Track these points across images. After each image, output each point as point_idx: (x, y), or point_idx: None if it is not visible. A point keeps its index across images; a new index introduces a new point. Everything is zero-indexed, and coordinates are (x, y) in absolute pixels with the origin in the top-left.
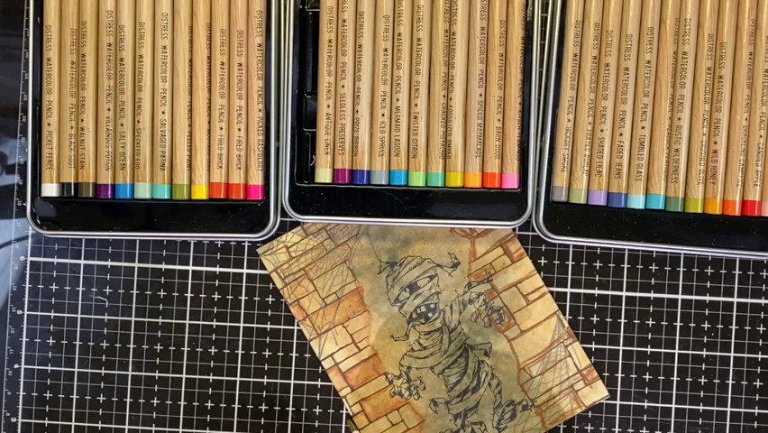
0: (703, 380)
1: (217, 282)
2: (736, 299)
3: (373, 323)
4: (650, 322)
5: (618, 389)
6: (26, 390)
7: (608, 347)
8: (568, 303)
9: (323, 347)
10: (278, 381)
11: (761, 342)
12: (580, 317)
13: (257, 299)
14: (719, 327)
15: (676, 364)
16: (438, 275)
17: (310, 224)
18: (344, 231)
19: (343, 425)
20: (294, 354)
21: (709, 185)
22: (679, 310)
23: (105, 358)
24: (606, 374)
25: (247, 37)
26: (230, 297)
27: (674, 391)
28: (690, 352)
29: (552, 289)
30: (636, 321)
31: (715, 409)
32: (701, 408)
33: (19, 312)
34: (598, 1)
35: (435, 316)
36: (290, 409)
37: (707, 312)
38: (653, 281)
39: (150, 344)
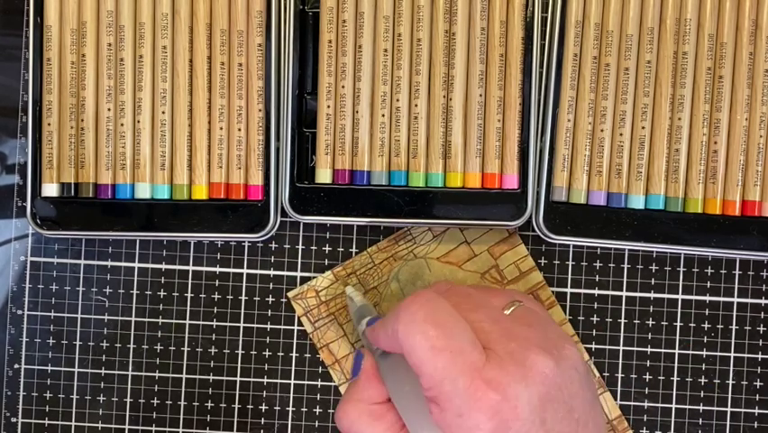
0: (703, 380)
1: (217, 282)
2: (736, 299)
3: None
4: (650, 322)
5: (618, 389)
6: (26, 390)
7: (608, 347)
8: (568, 303)
9: None
10: (278, 381)
11: (761, 342)
12: (580, 318)
13: (257, 299)
14: (719, 327)
15: (676, 364)
16: None
17: (340, 268)
18: (375, 276)
19: None
20: (294, 354)
21: (709, 185)
22: (679, 310)
23: (105, 358)
24: (606, 374)
25: (247, 37)
26: (230, 297)
27: (674, 391)
28: (690, 352)
29: (552, 289)
30: (636, 321)
31: (715, 409)
32: (701, 408)
33: (19, 312)
34: (598, 1)
35: None
36: (290, 409)
37: (707, 312)
38: (653, 281)
39: (150, 344)
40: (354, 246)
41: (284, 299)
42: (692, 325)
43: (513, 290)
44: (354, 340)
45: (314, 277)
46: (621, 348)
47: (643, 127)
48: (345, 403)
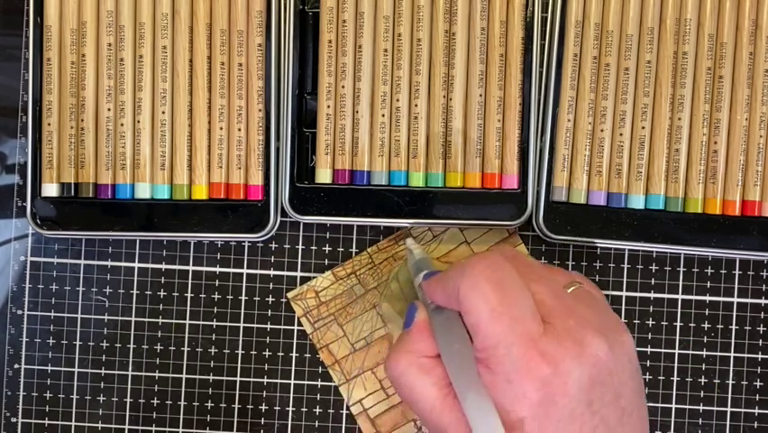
0: (703, 380)
1: (217, 282)
2: (736, 299)
3: None
4: (650, 322)
5: None
6: (26, 390)
7: None
8: None
9: (351, 393)
10: (278, 381)
11: (761, 342)
12: None
13: (257, 299)
14: (719, 327)
15: (676, 364)
16: None
17: (340, 268)
18: (375, 276)
19: (344, 425)
20: (294, 354)
21: (709, 185)
22: (679, 310)
23: (105, 358)
24: None
25: (247, 37)
26: (230, 297)
27: (674, 391)
28: (690, 352)
29: None
30: (636, 321)
31: (715, 409)
32: (701, 408)
33: (19, 312)
34: (598, 1)
35: None
36: (290, 409)
37: (707, 312)
38: (653, 281)
39: (150, 344)
40: (354, 246)
41: (284, 300)
42: (692, 325)
43: (575, 272)
44: (354, 340)
45: (314, 277)
46: None
47: (643, 127)
48: (396, 353)
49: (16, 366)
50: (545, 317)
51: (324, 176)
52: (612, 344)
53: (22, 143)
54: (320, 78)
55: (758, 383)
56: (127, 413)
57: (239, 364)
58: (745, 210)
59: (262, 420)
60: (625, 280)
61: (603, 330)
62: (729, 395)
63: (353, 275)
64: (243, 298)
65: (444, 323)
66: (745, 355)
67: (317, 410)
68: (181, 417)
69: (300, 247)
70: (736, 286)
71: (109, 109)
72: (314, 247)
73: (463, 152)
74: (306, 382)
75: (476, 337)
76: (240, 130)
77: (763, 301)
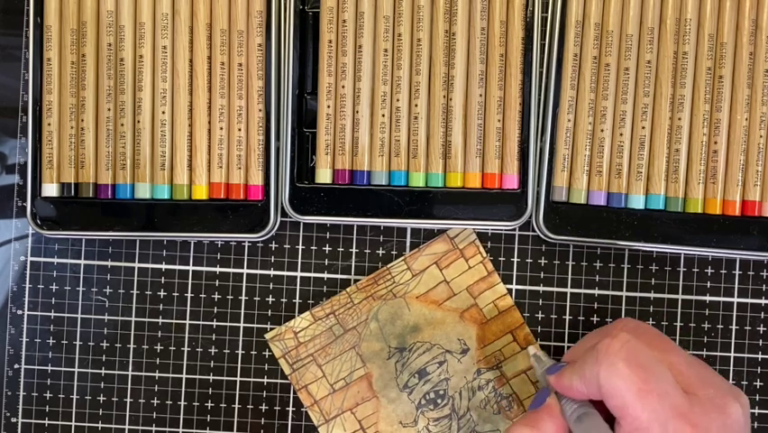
0: None
1: (217, 282)
2: (736, 299)
3: (382, 409)
4: (650, 322)
5: None
6: (26, 390)
7: None
8: (568, 303)
9: None
10: (278, 381)
11: (761, 342)
12: (581, 318)
13: (257, 299)
14: (719, 327)
15: None
16: (447, 361)
17: (319, 309)
18: (354, 316)
19: None
20: None
21: (710, 185)
22: (679, 310)
23: (105, 358)
24: None
25: (247, 37)
26: (230, 297)
27: None
28: (690, 352)
29: (552, 289)
30: None
31: None
32: None
33: (19, 312)
34: (598, 1)
35: (444, 402)
36: (290, 409)
37: (707, 312)
38: (653, 281)
39: (150, 344)
40: (354, 246)
41: (284, 299)
42: (692, 325)
43: None
44: (334, 380)
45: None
46: None
47: (643, 127)
48: (520, 427)
49: (16, 366)
50: (686, 388)
51: (324, 176)
52: (743, 406)
53: (23, 143)
54: (320, 78)
55: (758, 383)
56: (127, 413)
57: (239, 364)
58: (745, 210)
59: (262, 420)
60: (625, 280)
61: (734, 395)
62: None
63: (332, 315)
64: (243, 298)
65: (591, 425)
66: (745, 355)
67: None
68: (181, 417)
69: (300, 247)
70: (736, 286)
71: (109, 109)
72: (314, 247)
73: (463, 152)
74: None
75: (624, 421)
76: (240, 130)
77: (763, 301)
